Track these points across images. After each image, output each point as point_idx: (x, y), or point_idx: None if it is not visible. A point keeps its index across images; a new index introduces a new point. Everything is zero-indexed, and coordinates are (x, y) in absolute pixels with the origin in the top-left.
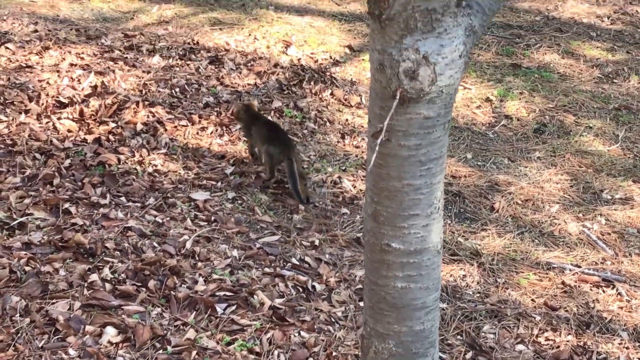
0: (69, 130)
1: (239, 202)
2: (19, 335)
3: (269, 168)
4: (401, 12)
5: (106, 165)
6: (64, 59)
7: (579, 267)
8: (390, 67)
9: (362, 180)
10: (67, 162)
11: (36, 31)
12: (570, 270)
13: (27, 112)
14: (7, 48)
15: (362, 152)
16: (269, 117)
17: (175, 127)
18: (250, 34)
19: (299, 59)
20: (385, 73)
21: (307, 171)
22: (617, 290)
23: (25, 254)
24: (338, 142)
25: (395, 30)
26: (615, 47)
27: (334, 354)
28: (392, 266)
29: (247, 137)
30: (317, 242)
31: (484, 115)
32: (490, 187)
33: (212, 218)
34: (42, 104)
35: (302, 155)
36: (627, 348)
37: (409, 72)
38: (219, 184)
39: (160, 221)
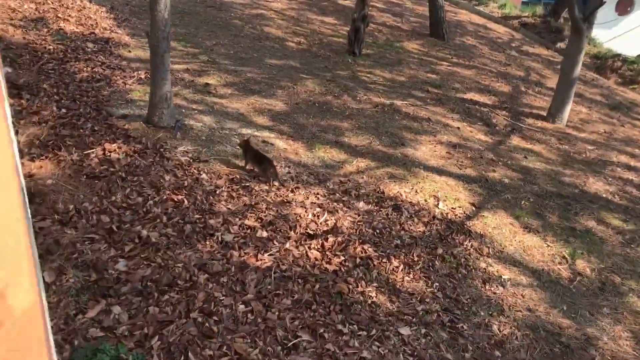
0: (316, 259)
1: (429, 337)
2: None
3: (262, 171)
4: None
5: (341, 294)
6: (307, 197)
7: None
8: None
9: (506, 324)
10: (317, 286)
11: (289, 173)
12: None
13: (288, 238)
14: (274, 185)
15: (499, 298)
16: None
17: (380, 262)
18: (412, 188)
19: (447, 213)
20: None
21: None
22: None
23: None
24: (481, 286)
25: None
26: (626, 218)
27: None
28: None
29: (245, 157)
30: None
31: (565, 271)
32: (585, 340)
33: (415, 352)
34: (297, 233)
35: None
36: None
37: None
38: (414, 319)
39: (382, 352)
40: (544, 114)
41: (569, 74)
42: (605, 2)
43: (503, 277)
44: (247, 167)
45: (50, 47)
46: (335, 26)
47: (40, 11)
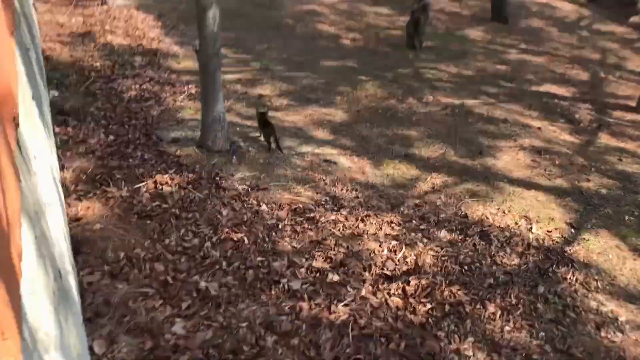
0: (398, 308)
1: None
2: None
3: (266, 135)
4: None
5: (433, 355)
6: (380, 227)
7: None
8: None
9: None
10: (402, 345)
11: (357, 197)
12: None
13: (363, 282)
14: (341, 214)
15: (620, 348)
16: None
17: (473, 309)
18: (499, 208)
19: (542, 239)
20: None
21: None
22: None
23: None
24: (596, 333)
25: None
26: None
27: None
28: None
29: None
30: None
31: None
32: None
33: None
34: (373, 274)
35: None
36: None
37: None
38: None
39: None
40: (632, 104)
41: None
42: None
43: (620, 319)
44: (263, 138)
45: (97, 63)
46: (390, 17)
47: (88, 24)
